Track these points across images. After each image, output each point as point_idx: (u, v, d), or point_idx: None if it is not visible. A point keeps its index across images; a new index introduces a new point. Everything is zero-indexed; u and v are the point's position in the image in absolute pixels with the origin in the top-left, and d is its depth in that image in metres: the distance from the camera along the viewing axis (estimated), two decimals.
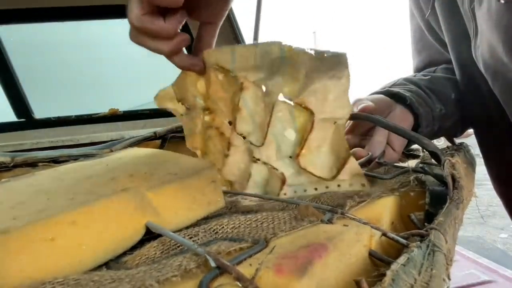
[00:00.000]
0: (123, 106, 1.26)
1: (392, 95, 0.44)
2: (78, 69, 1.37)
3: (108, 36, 1.34)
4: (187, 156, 0.36)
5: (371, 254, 0.22)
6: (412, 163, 0.67)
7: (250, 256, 0.18)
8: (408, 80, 0.47)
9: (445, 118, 0.47)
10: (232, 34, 1.19)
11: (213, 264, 0.16)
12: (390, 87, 0.46)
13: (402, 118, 0.43)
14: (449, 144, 0.55)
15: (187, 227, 0.29)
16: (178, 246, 0.23)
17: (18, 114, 1.20)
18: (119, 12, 1.21)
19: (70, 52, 1.34)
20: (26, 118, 1.21)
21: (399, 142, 0.44)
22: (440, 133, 0.50)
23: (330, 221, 0.25)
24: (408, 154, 0.89)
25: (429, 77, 0.49)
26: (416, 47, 0.57)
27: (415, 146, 0.92)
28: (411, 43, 0.59)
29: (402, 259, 0.18)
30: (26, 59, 1.20)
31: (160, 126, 0.94)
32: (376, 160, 0.41)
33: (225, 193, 0.36)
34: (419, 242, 0.20)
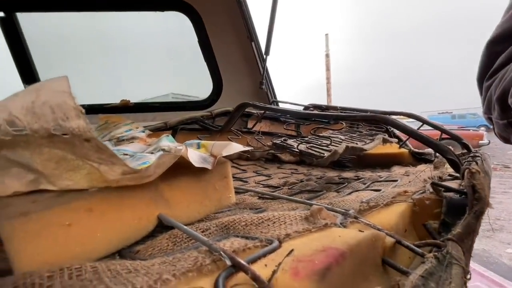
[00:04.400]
0: (135, 98, 1.27)
1: None
2: (92, 59, 1.39)
3: (124, 28, 1.35)
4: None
5: (385, 262, 0.22)
6: (423, 167, 0.65)
7: (265, 256, 0.18)
8: None
9: None
10: (246, 32, 1.18)
11: (228, 262, 0.16)
12: None
13: None
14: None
15: (198, 221, 0.29)
16: (190, 240, 0.23)
17: None
18: (133, 4, 1.22)
19: (85, 43, 1.36)
20: None
21: None
22: None
23: (343, 225, 0.25)
24: (419, 159, 0.88)
25: None
26: None
27: (427, 150, 0.90)
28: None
29: (420, 270, 0.17)
30: (43, 48, 1.22)
31: (169, 119, 0.95)
32: None
33: (235, 189, 0.36)
34: (436, 253, 0.20)
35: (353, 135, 0.70)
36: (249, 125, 0.96)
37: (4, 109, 0.16)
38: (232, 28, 1.20)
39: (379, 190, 0.40)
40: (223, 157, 0.31)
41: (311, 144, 0.56)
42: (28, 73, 1.16)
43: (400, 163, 0.82)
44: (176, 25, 1.29)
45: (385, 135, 0.75)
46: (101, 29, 1.37)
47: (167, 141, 0.39)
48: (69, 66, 1.38)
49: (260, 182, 0.60)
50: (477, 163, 0.39)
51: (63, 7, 1.18)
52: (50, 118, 0.15)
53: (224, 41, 1.21)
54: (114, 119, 0.48)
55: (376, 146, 0.62)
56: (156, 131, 0.77)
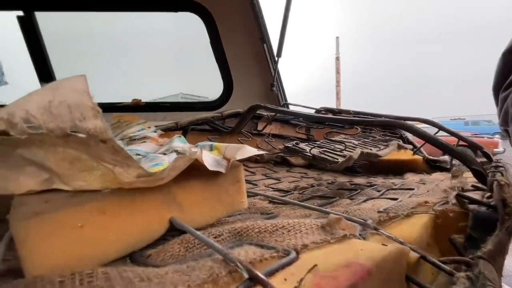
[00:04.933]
0: (145, 97, 1.29)
1: None
2: (106, 58, 1.42)
3: (138, 28, 1.37)
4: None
5: (409, 278, 0.20)
6: (438, 175, 0.63)
7: (283, 268, 0.17)
8: None
9: None
10: (259, 34, 1.17)
11: (246, 275, 0.15)
12: None
13: None
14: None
15: (210, 226, 0.29)
16: (202, 246, 0.22)
17: None
18: (148, 5, 1.23)
19: (100, 42, 1.39)
20: None
21: None
22: None
23: (362, 236, 0.24)
24: (434, 166, 0.84)
25: None
26: None
27: (442, 158, 0.86)
28: None
29: None
30: (59, 46, 1.25)
31: (179, 119, 0.95)
32: None
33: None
34: (468, 273, 0.18)
35: (367, 140, 0.68)
36: (259, 127, 0.95)
37: (21, 108, 0.15)
38: (244, 29, 1.20)
39: (396, 199, 0.39)
40: (236, 160, 0.31)
41: (324, 149, 0.54)
42: (44, 70, 1.19)
43: (413, 170, 0.79)
44: (188, 25, 1.30)
45: (399, 141, 0.73)
46: (115, 29, 1.39)
47: (179, 142, 0.38)
48: (84, 64, 1.41)
49: (270, 186, 0.58)
50: (502, 174, 0.37)
51: (79, 7, 1.20)
52: (67, 118, 0.15)
53: (236, 42, 1.21)
54: (126, 118, 0.48)
55: (391, 152, 0.60)
56: (167, 131, 0.77)
